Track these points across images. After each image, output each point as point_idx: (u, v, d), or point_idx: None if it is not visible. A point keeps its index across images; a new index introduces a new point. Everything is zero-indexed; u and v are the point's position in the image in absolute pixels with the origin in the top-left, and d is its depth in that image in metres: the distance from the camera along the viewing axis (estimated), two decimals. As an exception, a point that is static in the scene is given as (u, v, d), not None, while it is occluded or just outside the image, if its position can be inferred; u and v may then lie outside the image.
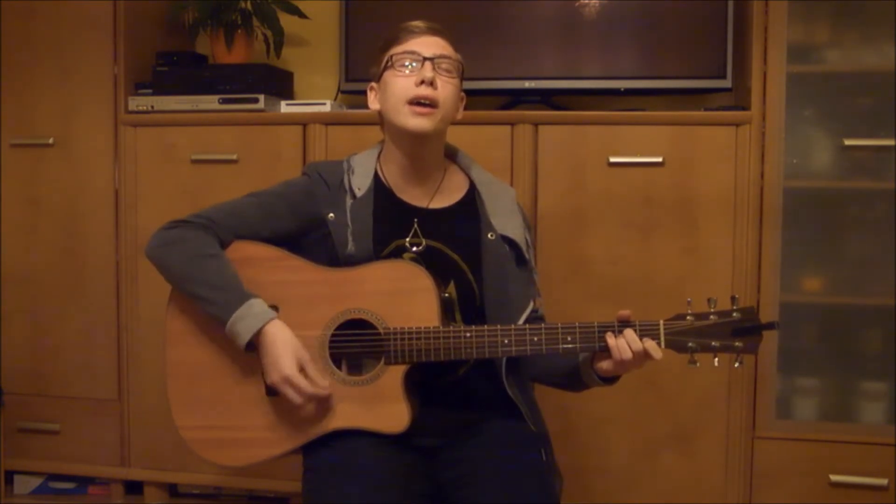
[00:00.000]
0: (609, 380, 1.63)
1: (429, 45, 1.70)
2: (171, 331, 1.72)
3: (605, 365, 1.59)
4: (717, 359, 1.58)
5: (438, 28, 1.74)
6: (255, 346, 1.61)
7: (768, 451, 2.37)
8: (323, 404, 1.63)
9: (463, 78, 1.77)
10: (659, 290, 2.36)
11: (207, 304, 1.63)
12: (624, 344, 1.54)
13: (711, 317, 1.56)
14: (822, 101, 2.40)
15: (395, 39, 1.72)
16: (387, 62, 1.72)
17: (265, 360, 1.61)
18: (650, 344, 1.54)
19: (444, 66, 1.70)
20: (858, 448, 2.33)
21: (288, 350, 1.59)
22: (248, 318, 1.60)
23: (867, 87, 2.39)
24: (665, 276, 2.37)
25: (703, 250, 2.35)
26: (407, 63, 1.69)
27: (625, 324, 1.56)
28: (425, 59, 1.68)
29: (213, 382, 1.69)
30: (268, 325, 1.60)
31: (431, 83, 1.66)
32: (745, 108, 2.38)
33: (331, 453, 1.62)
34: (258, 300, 1.62)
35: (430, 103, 1.67)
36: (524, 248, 1.76)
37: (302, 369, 1.59)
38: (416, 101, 1.67)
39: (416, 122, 1.68)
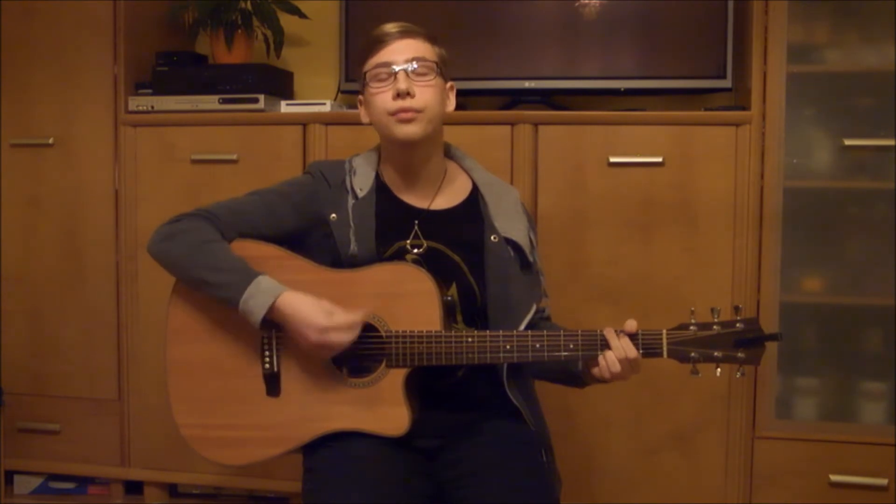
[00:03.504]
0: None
1: (400, 50, 1.67)
2: (172, 329, 1.72)
3: (596, 372, 1.60)
4: (718, 369, 1.58)
5: (410, 29, 1.71)
6: (269, 322, 1.61)
7: (768, 451, 2.37)
8: (325, 405, 1.63)
9: (448, 70, 1.74)
10: (659, 290, 2.36)
11: (215, 289, 1.62)
12: (613, 360, 1.56)
13: (714, 327, 1.56)
14: (822, 101, 2.40)
15: (367, 52, 1.70)
16: (363, 79, 1.71)
17: (293, 328, 1.59)
18: (630, 349, 1.55)
19: (419, 70, 1.67)
20: (858, 448, 2.34)
21: (312, 306, 1.58)
22: (259, 294, 1.59)
23: (867, 87, 2.39)
24: (665, 275, 2.37)
25: (703, 250, 2.35)
26: (381, 77, 1.67)
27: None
28: (397, 69, 1.66)
29: (214, 381, 1.69)
30: (281, 296, 1.59)
31: (408, 93, 1.65)
32: (745, 108, 2.38)
33: (331, 453, 1.62)
34: (265, 276, 1.61)
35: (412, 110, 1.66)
36: (528, 250, 1.75)
37: (331, 315, 1.57)
38: (397, 112, 1.66)
39: (404, 130, 1.67)
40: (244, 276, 1.61)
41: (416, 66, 1.67)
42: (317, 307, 1.58)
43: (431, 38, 1.73)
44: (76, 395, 2.73)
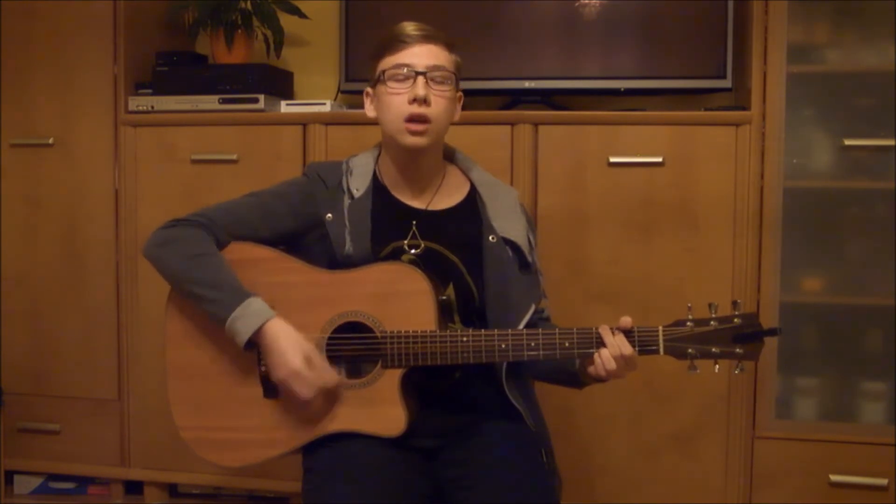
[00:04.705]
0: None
1: (421, 55, 1.67)
2: (171, 332, 1.73)
3: (592, 370, 1.60)
4: (717, 365, 1.57)
5: (431, 33, 1.70)
6: (254, 344, 1.61)
7: (768, 451, 2.37)
8: (322, 405, 1.63)
9: (460, 79, 1.75)
10: (659, 291, 2.36)
11: (205, 303, 1.63)
12: (608, 357, 1.55)
13: (712, 323, 1.55)
14: (822, 101, 2.40)
15: (386, 49, 1.69)
16: (379, 76, 1.70)
17: (269, 359, 1.60)
18: (625, 346, 1.54)
19: (437, 77, 1.67)
20: (858, 448, 2.33)
21: (293, 345, 1.58)
22: (248, 316, 1.59)
23: (867, 87, 2.39)
24: (665, 276, 2.36)
25: (703, 250, 2.35)
26: (399, 78, 1.66)
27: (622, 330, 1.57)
28: (417, 73, 1.65)
29: (213, 383, 1.69)
30: (268, 323, 1.59)
31: (424, 100, 1.65)
32: (745, 108, 2.38)
33: (330, 454, 1.62)
34: (257, 298, 1.61)
35: (425, 119, 1.66)
36: (527, 250, 1.75)
37: (309, 362, 1.59)
38: (410, 119, 1.66)
39: (412, 140, 1.67)
40: (236, 296, 1.61)
41: (436, 73, 1.67)
42: (298, 347, 1.59)
43: (450, 45, 1.72)
44: (76, 395, 2.73)
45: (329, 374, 1.60)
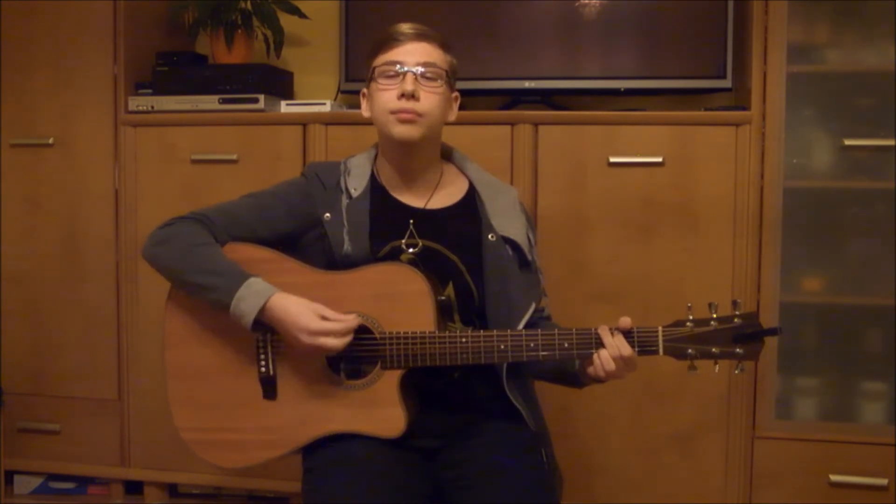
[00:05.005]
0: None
1: (413, 52, 1.67)
2: (170, 333, 1.73)
3: (591, 371, 1.59)
4: (717, 365, 1.57)
5: (425, 32, 1.70)
6: (262, 325, 1.61)
7: (768, 451, 2.37)
8: (322, 406, 1.63)
9: (456, 79, 1.75)
10: (659, 291, 2.36)
11: (207, 291, 1.63)
12: (607, 358, 1.55)
13: (712, 323, 1.55)
14: (822, 101, 2.40)
15: (379, 47, 1.70)
16: (371, 73, 1.71)
17: (285, 331, 1.60)
18: (624, 347, 1.54)
19: (427, 75, 1.67)
20: (858, 448, 2.33)
21: (303, 309, 1.58)
22: (251, 296, 1.59)
23: (867, 87, 2.39)
24: (665, 276, 2.36)
25: (703, 250, 2.35)
26: (389, 75, 1.67)
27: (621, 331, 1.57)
28: (407, 70, 1.66)
29: (213, 384, 1.69)
30: (272, 298, 1.59)
31: (413, 96, 1.65)
32: (745, 108, 2.38)
33: (330, 454, 1.62)
34: (257, 279, 1.61)
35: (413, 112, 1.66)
36: (526, 249, 1.75)
37: (324, 317, 1.58)
38: (398, 112, 1.66)
39: (402, 129, 1.67)
40: (235, 279, 1.61)
41: (425, 70, 1.67)
42: (307, 310, 1.58)
43: (444, 45, 1.72)
44: (76, 395, 2.73)
45: (349, 319, 1.59)
